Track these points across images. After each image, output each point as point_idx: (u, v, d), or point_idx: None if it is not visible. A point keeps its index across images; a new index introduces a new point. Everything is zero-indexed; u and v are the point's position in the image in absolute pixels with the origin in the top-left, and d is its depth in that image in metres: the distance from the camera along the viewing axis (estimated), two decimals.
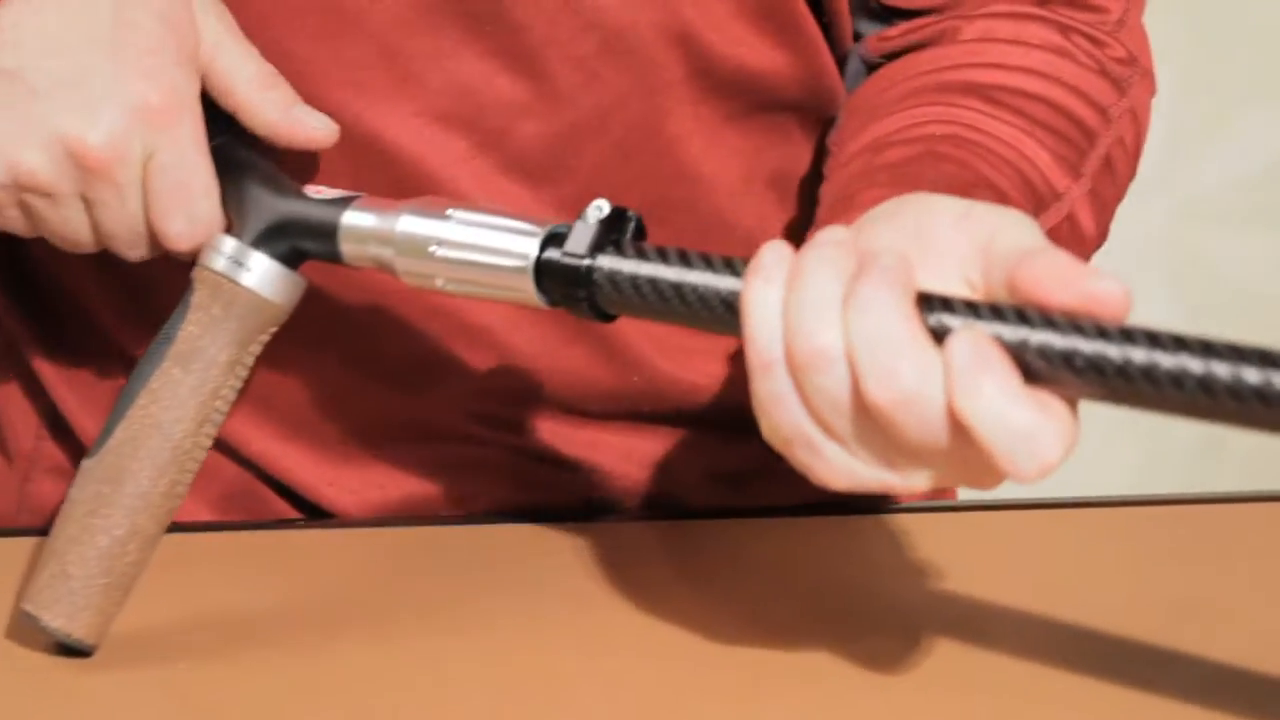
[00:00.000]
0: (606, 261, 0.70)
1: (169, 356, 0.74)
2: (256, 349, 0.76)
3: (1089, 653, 0.74)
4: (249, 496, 0.90)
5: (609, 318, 0.71)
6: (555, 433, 0.89)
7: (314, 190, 0.77)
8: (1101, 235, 0.87)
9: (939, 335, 0.63)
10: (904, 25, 0.89)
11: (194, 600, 0.79)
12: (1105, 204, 0.87)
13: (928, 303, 0.64)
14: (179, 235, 0.76)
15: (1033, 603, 0.79)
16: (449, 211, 0.73)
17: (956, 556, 0.83)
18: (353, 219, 0.75)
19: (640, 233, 0.72)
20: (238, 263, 0.75)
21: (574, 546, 0.83)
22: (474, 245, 0.72)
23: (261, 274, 0.75)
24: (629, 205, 0.71)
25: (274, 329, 0.76)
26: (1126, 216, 1.88)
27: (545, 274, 0.71)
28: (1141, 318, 2.11)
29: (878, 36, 0.90)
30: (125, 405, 0.74)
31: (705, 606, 0.78)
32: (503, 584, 0.80)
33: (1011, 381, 0.62)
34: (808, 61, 0.89)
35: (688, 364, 0.90)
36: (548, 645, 0.75)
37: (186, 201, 0.76)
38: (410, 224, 0.73)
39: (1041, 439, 0.62)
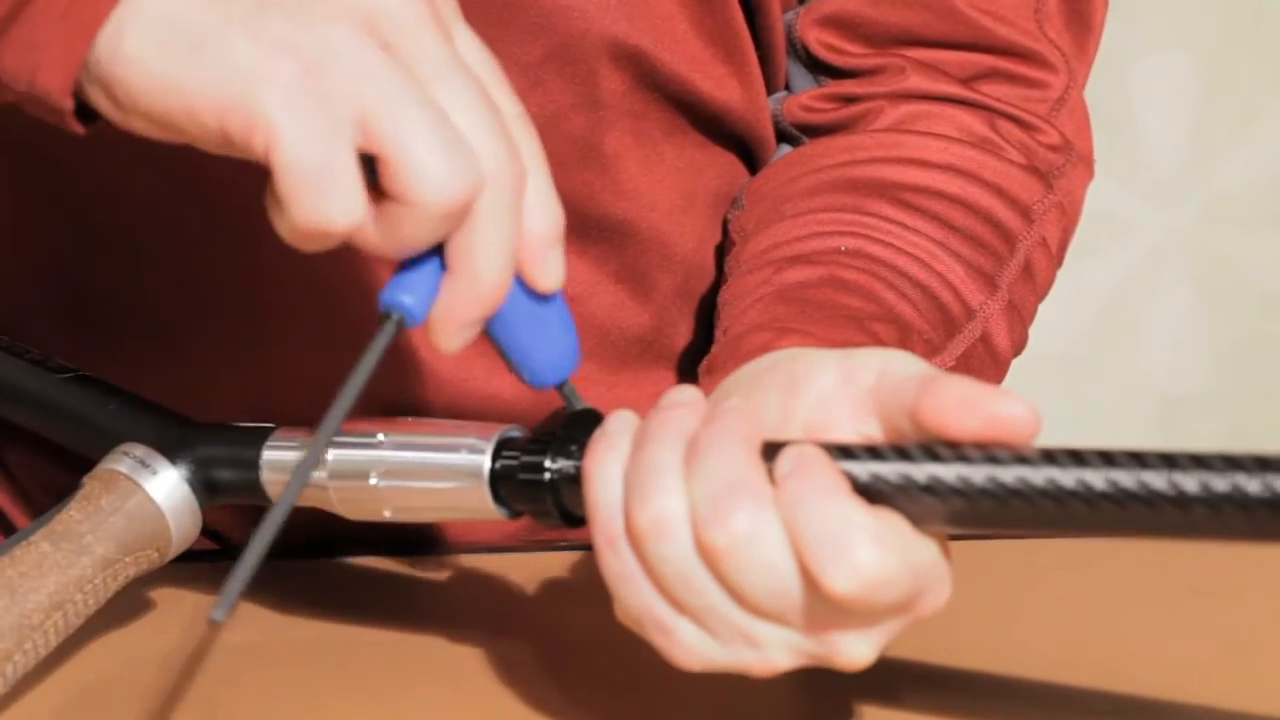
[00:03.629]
0: (568, 464, 0.65)
1: (40, 533, 0.69)
2: (132, 569, 0.70)
3: (1104, 669, 0.72)
4: None
5: (579, 521, 0.66)
6: None
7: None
8: (1017, 349, 0.83)
9: None
10: (826, 94, 0.86)
11: (155, 639, 0.76)
12: (1023, 314, 0.83)
13: (774, 449, 0.61)
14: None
15: (1040, 616, 0.77)
16: (379, 436, 0.68)
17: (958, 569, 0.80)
18: (276, 451, 0.70)
19: None
20: (144, 465, 0.71)
21: (528, 577, 0.81)
22: (417, 466, 0.67)
23: (169, 490, 0.71)
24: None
25: (154, 559, 0.71)
26: (1150, 217, 1.88)
27: (503, 484, 0.66)
28: (1165, 320, 2.11)
29: (799, 104, 0.87)
30: None
31: None
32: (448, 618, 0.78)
33: (831, 484, 0.58)
34: (752, 95, 0.86)
35: (605, 398, 0.87)
36: (514, 677, 0.73)
37: None
38: (342, 448, 0.68)
39: (855, 540, 0.57)
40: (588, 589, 0.78)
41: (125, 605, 0.73)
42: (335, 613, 0.78)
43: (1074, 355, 1.88)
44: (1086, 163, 0.88)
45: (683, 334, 0.90)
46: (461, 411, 0.86)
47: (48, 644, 0.68)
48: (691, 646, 0.61)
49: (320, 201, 0.58)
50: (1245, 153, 1.87)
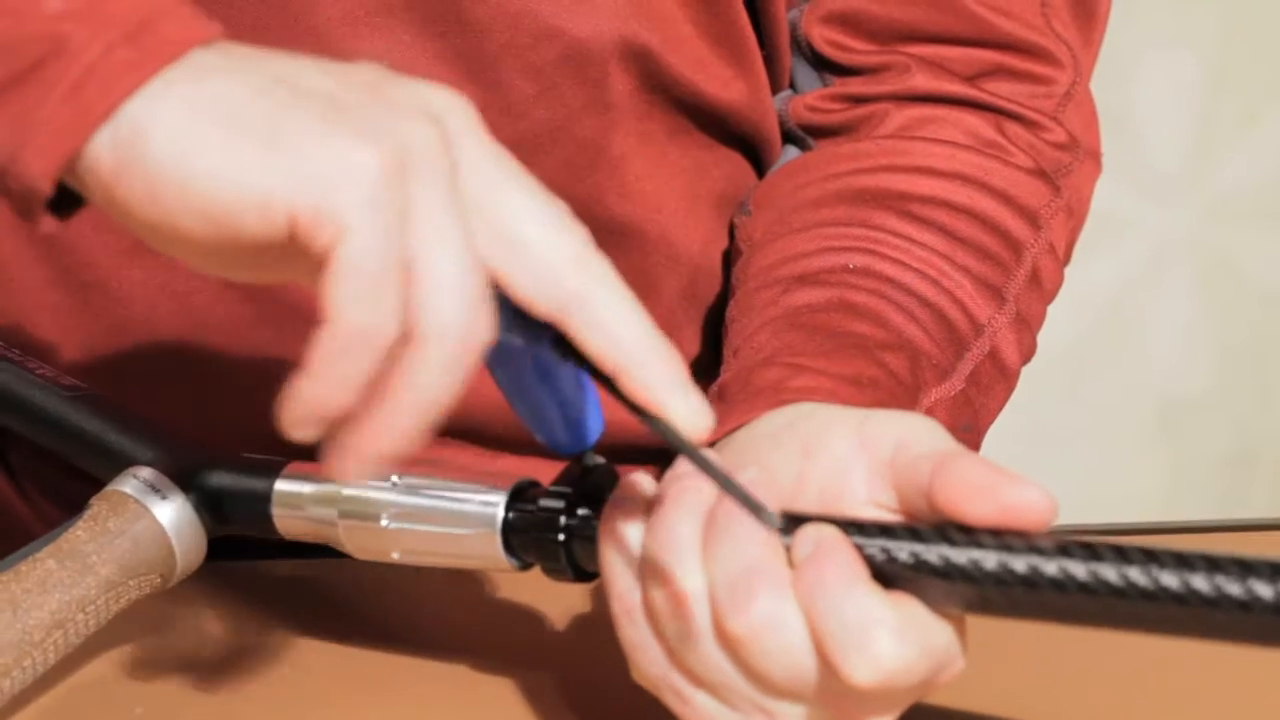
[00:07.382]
0: (582, 522, 0.65)
1: (47, 550, 0.69)
2: (134, 592, 0.70)
3: (1110, 692, 0.72)
4: None
5: (590, 576, 0.67)
6: (475, 461, 0.86)
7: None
8: (1026, 358, 0.83)
9: None
10: (831, 94, 0.86)
11: (156, 639, 0.76)
12: (1030, 323, 0.83)
13: (792, 523, 0.60)
14: None
15: (1047, 638, 0.76)
16: (394, 478, 0.68)
17: None
18: (289, 484, 0.70)
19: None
20: (154, 489, 0.71)
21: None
22: (430, 511, 0.67)
23: (176, 516, 0.71)
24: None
25: (157, 584, 0.71)
26: (1152, 216, 1.88)
27: (516, 535, 0.66)
28: (1167, 319, 2.09)
29: (805, 105, 0.87)
30: None
31: None
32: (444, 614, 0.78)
33: (850, 572, 0.58)
34: (757, 95, 0.86)
35: (611, 402, 0.88)
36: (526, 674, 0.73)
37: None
38: (355, 488, 0.68)
39: (875, 633, 0.57)
40: (589, 591, 0.79)
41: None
42: (336, 613, 0.78)
43: (1075, 355, 1.88)
44: (1094, 158, 0.88)
45: (690, 338, 0.90)
46: (472, 419, 0.85)
47: (45, 662, 0.68)
48: (708, 715, 0.61)
49: (374, 306, 0.54)
50: (1248, 151, 1.87)
